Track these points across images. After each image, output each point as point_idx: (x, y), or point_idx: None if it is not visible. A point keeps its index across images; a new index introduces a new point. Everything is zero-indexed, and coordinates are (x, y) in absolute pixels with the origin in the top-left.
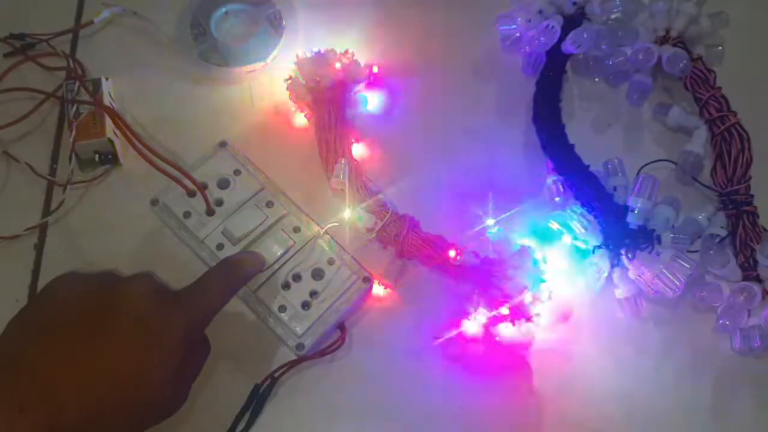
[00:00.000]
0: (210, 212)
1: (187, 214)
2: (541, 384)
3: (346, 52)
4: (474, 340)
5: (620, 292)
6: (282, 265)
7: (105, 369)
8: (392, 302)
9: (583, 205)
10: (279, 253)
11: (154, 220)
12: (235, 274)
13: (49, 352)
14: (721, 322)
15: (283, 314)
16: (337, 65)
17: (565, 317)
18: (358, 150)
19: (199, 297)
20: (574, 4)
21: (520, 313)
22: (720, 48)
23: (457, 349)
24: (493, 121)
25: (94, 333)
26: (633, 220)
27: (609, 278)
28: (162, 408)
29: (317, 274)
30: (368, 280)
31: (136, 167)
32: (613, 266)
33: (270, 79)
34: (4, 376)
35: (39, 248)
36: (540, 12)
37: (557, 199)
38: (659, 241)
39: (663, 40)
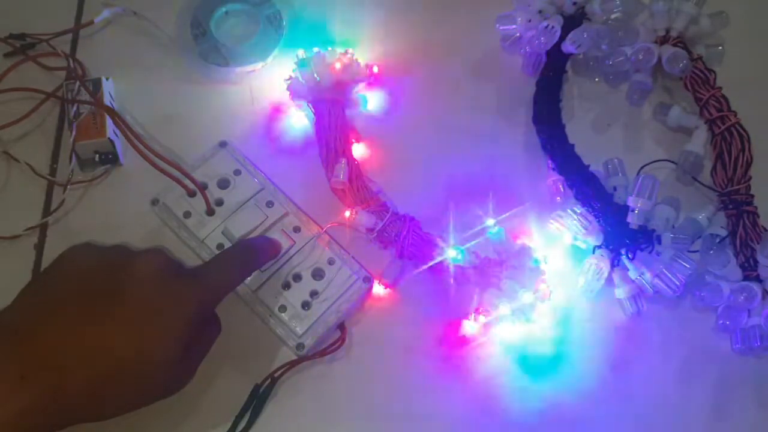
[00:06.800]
0: (210, 212)
1: (187, 214)
2: (541, 384)
3: (346, 51)
4: (474, 340)
5: (620, 292)
6: (282, 265)
7: (111, 341)
8: (392, 302)
9: (583, 205)
10: None
11: (154, 220)
12: (250, 256)
13: (56, 322)
14: (721, 322)
15: (283, 314)
16: (337, 65)
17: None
18: (358, 150)
19: (212, 275)
20: (574, 4)
21: (520, 313)
22: (720, 48)
23: (457, 349)
24: (493, 121)
25: (103, 305)
26: (633, 220)
27: (609, 278)
28: (168, 383)
29: (317, 274)
30: (368, 280)
31: (136, 167)
32: (613, 266)
33: (270, 79)
34: (7, 344)
35: (39, 248)
36: (540, 12)
37: (557, 199)
38: (659, 241)
39: (663, 40)
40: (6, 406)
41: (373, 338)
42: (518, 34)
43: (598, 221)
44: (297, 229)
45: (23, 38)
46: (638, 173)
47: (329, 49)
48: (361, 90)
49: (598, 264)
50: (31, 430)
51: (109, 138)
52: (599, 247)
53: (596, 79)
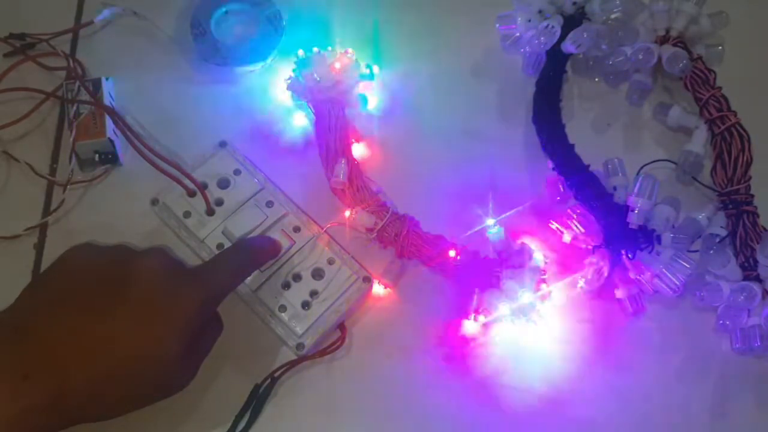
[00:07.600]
0: (210, 212)
1: (187, 214)
2: (541, 384)
3: (346, 51)
4: (474, 340)
5: (620, 292)
6: (282, 265)
7: (113, 341)
8: (392, 302)
9: (583, 205)
10: None
11: (154, 220)
12: (251, 256)
13: (58, 321)
14: (721, 322)
15: (283, 314)
16: (337, 65)
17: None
18: (358, 150)
19: (213, 275)
20: (574, 3)
21: (520, 313)
22: (720, 48)
23: (457, 349)
24: (493, 121)
25: (105, 305)
26: (633, 220)
27: (609, 278)
28: (170, 382)
29: (317, 274)
30: (368, 280)
31: (136, 167)
32: (613, 266)
33: (270, 79)
34: (10, 344)
35: (39, 248)
36: (540, 12)
37: (557, 199)
38: (659, 241)
39: (663, 40)
40: (9, 405)
41: (373, 338)
42: (518, 34)
43: (598, 221)
44: (297, 229)
45: (23, 38)
46: (638, 173)
47: (329, 49)
48: (361, 90)
49: (598, 264)
50: (34, 430)
51: (109, 138)
52: (599, 247)
53: (596, 79)
